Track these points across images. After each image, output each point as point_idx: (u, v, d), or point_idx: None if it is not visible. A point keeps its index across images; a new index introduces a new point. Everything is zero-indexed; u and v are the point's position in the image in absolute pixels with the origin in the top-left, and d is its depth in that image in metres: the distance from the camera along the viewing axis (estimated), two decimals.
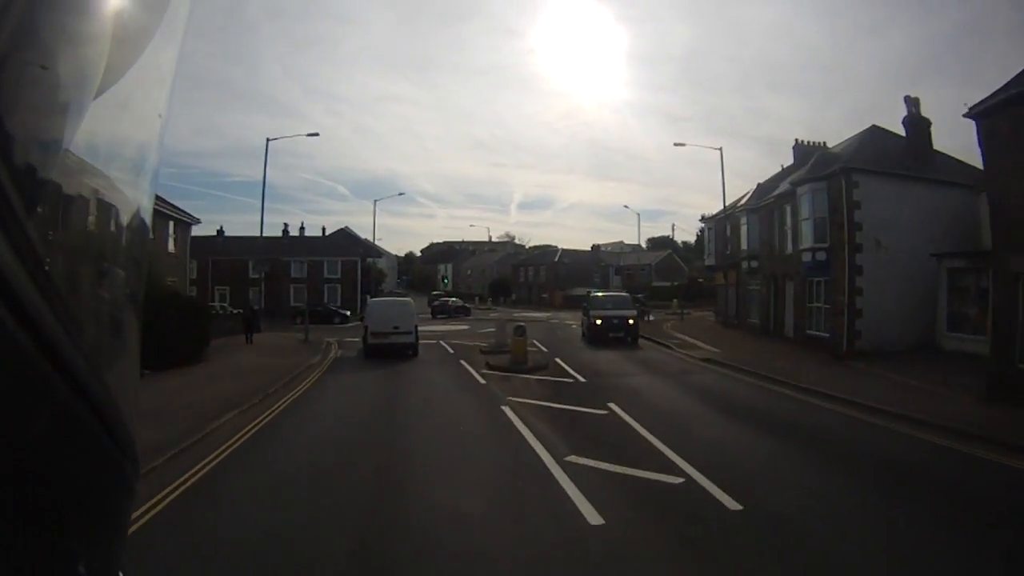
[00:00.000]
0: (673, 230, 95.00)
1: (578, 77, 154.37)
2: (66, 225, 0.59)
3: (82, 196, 0.60)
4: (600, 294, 29.26)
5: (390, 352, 19.79)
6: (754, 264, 27.61)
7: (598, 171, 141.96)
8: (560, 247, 78.46)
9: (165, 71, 0.74)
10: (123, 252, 0.72)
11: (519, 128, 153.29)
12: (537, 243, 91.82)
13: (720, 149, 30.27)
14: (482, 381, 15.06)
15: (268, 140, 29.87)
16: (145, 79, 0.67)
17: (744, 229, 28.70)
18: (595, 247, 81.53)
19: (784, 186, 25.21)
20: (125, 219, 0.70)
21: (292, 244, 50.14)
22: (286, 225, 52.91)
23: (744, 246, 28.60)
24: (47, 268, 0.46)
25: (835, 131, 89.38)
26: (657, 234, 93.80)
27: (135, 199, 0.71)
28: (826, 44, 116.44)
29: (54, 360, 0.45)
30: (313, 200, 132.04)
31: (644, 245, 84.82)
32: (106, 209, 0.66)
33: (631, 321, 24.37)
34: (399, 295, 55.39)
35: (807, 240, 21.68)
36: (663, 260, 76.44)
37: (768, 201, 26.56)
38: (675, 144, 33.10)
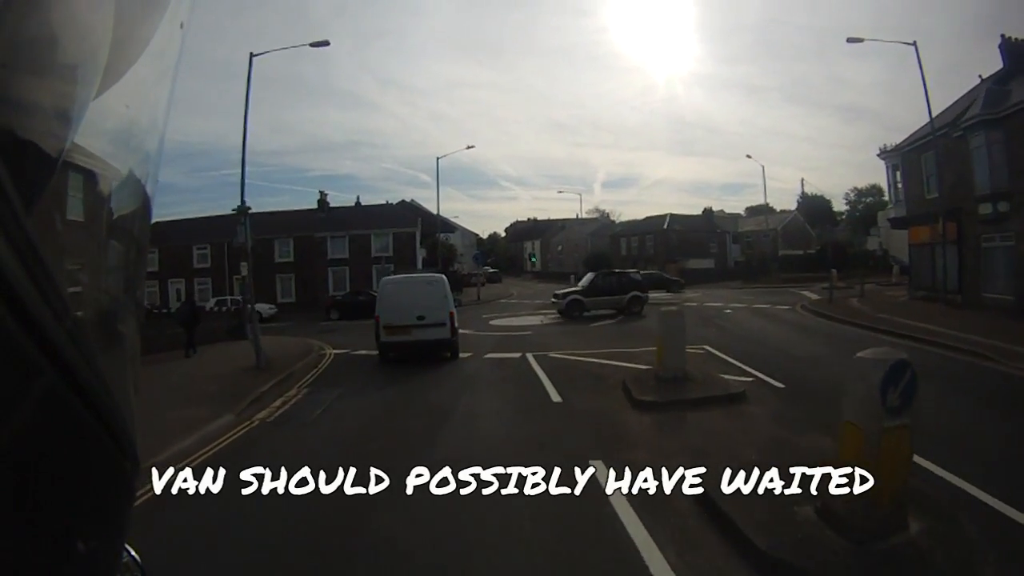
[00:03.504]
0: (803, 185, 77.06)
1: (653, 53, 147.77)
2: (67, 220, 0.59)
3: (83, 188, 0.60)
4: None
5: (413, 354, 12.96)
6: (1002, 207, 18.61)
7: (679, 147, 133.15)
8: (669, 212, 64.21)
9: (169, 60, 0.71)
10: (125, 247, 0.71)
11: (597, 107, 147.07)
12: (627, 219, 78.36)
13: (915, 43, 21.03)
14: None
15: (252, 55, 19.78)
16: (150, 68, 0.66)
17: (982, 154, 19.29)
18: (707, 211, 67.30)
19: None
20: (127, 211, 0.70)
21: (331, 217, 38.50)
22: (322, 194, 40.80)
23: (979, 182, 19.56)
24: (47, 266, 0.45)
25: (913, 93, 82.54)
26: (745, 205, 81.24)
27: (138, 188, 0.70)
28: (899, 5, 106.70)
29: (54, 361, 0.45)
30: (395, 189, 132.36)
31: (743, 213, 74.01)
32: (108, 200, 0.65)
33: None
34: (479, 273, 43.23)
35: None
36: (789, 223, 60.75)
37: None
38: (849, 40, 21.96)
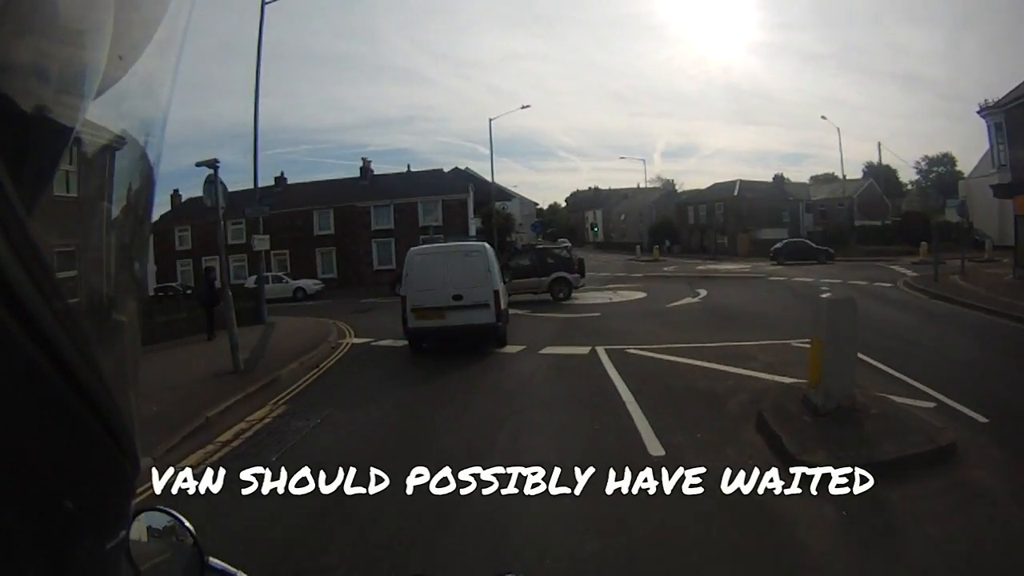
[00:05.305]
0: (880, 149, 68.14)
1: (707, 21, 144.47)
2: (66, 216, 0.60)
3: (85, 163, 0.59)
4: None
5: (449, 342, 10.46)
6: None
7: (737, 116, 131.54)
8: (738, 179, 58.36)
9: (177, 31, 0.68)
10: (128, 229, 0.69)
11: (654, 76, 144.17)
12: (689, 188, 72.68)
13: None
14: None
15: (263, 3, 18.77)
16: (158, 39, 0.63)
17: None
18: (778, 177, 61.30)
19: None
20: (131, 188, 0.68)
21: (374, 185, 35.53)
22: (365, 161, 36.60)
23: None
24: (47, 265, 0.45)
25: (973, 63, 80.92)
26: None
27: (142, 161, 0.68)
28: None
29: (54, 361, 0.45)
30: (452, 162, 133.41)
31: (808, 181, 67.12)
32: (111, 176, 0.64)
33: None
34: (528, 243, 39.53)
35: None
36: (866, 191, 53.77)
37: None
38: None
